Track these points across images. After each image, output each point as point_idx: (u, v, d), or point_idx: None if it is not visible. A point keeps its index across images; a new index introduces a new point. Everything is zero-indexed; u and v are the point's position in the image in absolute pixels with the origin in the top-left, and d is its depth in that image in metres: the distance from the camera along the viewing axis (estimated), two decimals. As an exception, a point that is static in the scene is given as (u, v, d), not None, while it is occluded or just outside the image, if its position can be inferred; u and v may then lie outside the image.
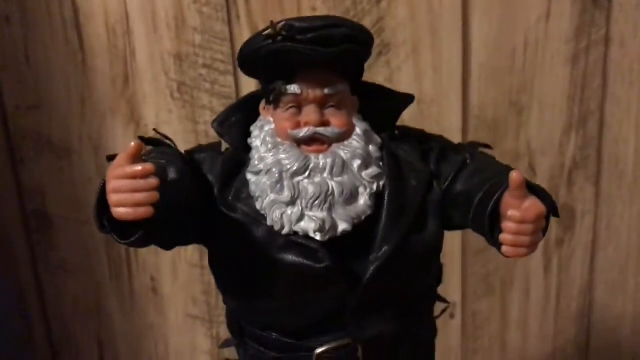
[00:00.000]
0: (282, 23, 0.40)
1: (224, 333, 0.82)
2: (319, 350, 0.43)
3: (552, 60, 0.81)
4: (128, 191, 0.35)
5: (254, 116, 0.45)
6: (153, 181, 0.35)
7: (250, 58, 0.43)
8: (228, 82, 0.73)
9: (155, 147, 0.45)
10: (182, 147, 0.76)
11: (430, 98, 0.79)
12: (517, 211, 0.37)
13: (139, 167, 0.35)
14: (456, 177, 0.44)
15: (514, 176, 0.37)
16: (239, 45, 0.72)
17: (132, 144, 0.36)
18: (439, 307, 0.53)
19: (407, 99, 0.47)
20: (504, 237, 0.38)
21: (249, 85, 0.73)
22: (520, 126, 0.83)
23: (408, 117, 0.79)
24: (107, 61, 0.71)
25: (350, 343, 0.43)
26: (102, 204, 0.37)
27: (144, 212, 0.35)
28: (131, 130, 0.73)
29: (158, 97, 0.73)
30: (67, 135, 0.73)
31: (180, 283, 0.80)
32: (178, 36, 0.71)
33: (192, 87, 0.73)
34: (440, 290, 0.53)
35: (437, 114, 0.80)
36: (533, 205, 0.37)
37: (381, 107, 0.45)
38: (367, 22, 0.74)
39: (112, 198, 0.35)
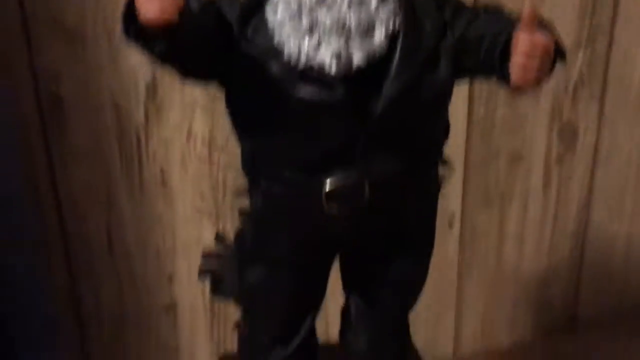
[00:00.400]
0: None
1: (230, 228, 0.85)
2: (328, 186, 0.45)
3: (566, -28, 0.81)
4: None
5: None
6: None
7: None
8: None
9: None
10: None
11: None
12: (527, 42, 0.38)
13: None
14: (468, 26, 0.45)
15: (528, 9, 0.38)
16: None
17: None
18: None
19: None
20: (514, 60, 0.39)
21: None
22: (530, 39, 0.84)
23: None
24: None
25: (358, 180, 0.45)
26: (130, 13, 0.38)
27: (170, 16, 0.36)
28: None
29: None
30: (81, 21, 0.73)
31: (189, 177, 0.82)
32: None
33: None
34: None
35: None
36: (543, 38, 0.38)
37: None
38: None
39: (139, 2, 0.37)
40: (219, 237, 0.59)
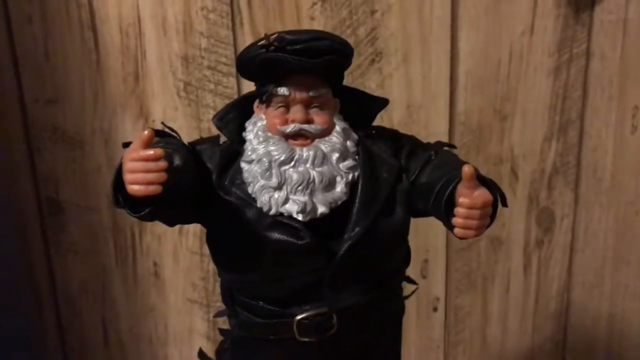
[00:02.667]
0: (275, 35, 0.46)
1: (221, 317, 0.88)
2: (298, 317, 0.49)
3: (535, 71, 0.87)
4: (141, 171, 0.41)
5: (248, 113, 0.52)
6: (162, 164, 0.42)
7: (247, 64, 0.49)
8: (230, 83, 0.79)
9: (162, 137, 0.51)
10: (187, 141, 0.82)
11: (419, 104, 0.84)
12: (467, 198, 0.43)
13: (151, 152, 0.41)
14: (421, 170, 0.50)
15: (466, 169, 0.43)
16: (241, 49, 0.79)
17: (146, 132, 0.42)
18: (410, 288, 0.59)
19: (382, 102, 0.54)
20: (455, 220, 0.44)
21: (249, 86, 0.78)
22: (504, 132, 0.89)
23: (397, 121, 0.85)
24: (120, 61, 0.77)
25: (327, 311, 0.49)
26: (118, 182, 0.43)
27: (154, 189, 0.41)
28: (140, 124, 0.79)
29: (165, 95, 0.78)
30: (80, 128, 0.78)
31: (180, 269, 0.86)
32: (186, 39, 0.77)
33: (197, 87, 0.78)
34: (424, 285, 0.59)
35: (425, 118, 0.85)
36: (481, 194, 0.43)
37: (359, 109, 0.52)
38: (361, 32, 0.80)
39: (128, 177, 0.42)
40: (202, 355, 0.63)
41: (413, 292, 0.58)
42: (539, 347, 1.01)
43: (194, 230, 0.84)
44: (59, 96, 0.77)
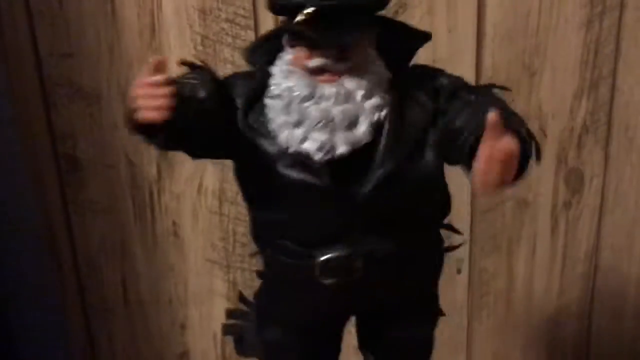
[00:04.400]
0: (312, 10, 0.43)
1: (241, 278, 0.87)
2: (322, 258, 0.48)
3: (566, 23, 0.83)
4: (148, 97, 0.41)
5: (281, 46, 0.49)
6: (167, 89, 0.41)
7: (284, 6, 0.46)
8: (249, 36, 0.76)
9: (193, 69, 0.49)
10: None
11: (445, 58, 0.81)
12: (487, 148, 0.40)
13: (155, 78, 0.41)
14: (458, 114, 0.46)
15: (490, 115, 0.39)
16: (259, 0, 0.76)
17: (151, 59, 0.42)
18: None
19: (424, 36, 0.50)
20: (474, 171, 0.40)
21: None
22: (532, 89, 0.85)
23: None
24: (135, 13, 0.75)
25: (350, 254, 0.48)
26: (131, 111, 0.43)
27: (160, 115, 0.40)
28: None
29: (182, 49, 0.76)
30: (96, 83, 0.77)
31: (200, 228, 0.84)
32: (203, -9, 0.75)
33: (214, 41, 0.76)
34: (448, 243, 0.57)
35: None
36: (504, 144, 0.39)
37: (397, 43, 0.49)
38: (384, -18, 0.77)
39: (135, 104, 0.41)
40: (242, 298, 0.63)
41: (457, 247, 0.55)
42: (565, 310, 0.99)
43: (213, 190, 0.83)
44: (74, 49, 0.75)
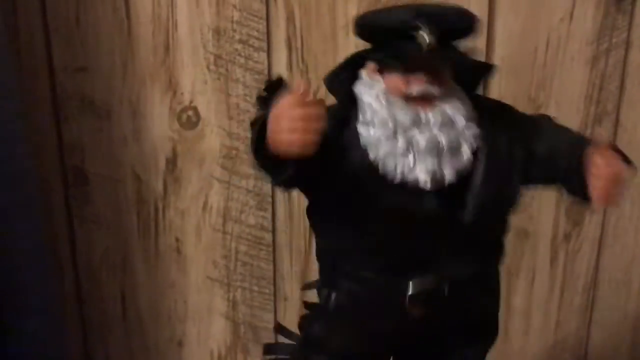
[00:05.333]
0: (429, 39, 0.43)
1: (241, 297, 0.87)
2: (412, 288, 0.48)
3: (572, 60, 0.84)
4: (302, 131, 0.39)
5: (354, 76, 0.49)
6: (323, 123, 0.40)
7: (377, 30, 0.46)
8: (261, 58, 0.77)
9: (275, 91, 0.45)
10: (214, 118, 0.80)
11: (452, 88, 0.82)
12: (604, 167, 0.43)
13: (316, 110, 0.39)
14: (537, 138, 0.48)
15: (599, 135, 0.42)
16: (274, 24, 0.78)
17: (302, 85, 0.40)
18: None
19: (488, 68, 0.50)
20: (593, 186, 0.43)
21: (280, 62, 0.77)
22: (537, 121, 0.87)
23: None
24: (150, 30, 0.76)
25: (439, 282, 0.48)
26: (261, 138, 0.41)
27: (308, 149, 0.39)
28: (168, 97, 0.78)
29: (195, 68, 0.77)
30: (108, 98, 0.77)
31: (202, 246, 0.85)
32: (218, 11, 0.76)
33: (227, 61, 0.77)
34: None
35: (457, 103, 0.83)
36: (618, 162, 0.43)
37: (463, 73, 0.49)
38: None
39: (285, 137, 0.39)
40: (280, 328, 0.61)
41: None
42: (562, 343, 0.99)
43: (217, 207, 0.83)
44: (89, 64, 0.76)
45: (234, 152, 0.81)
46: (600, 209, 0.45)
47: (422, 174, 0.45)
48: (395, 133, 0.45)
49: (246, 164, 0.82)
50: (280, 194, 0.84)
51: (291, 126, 0.39)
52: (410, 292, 0.48)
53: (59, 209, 0.81)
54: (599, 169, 0.43)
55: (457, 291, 0.49)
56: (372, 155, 0.45)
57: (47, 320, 0.82)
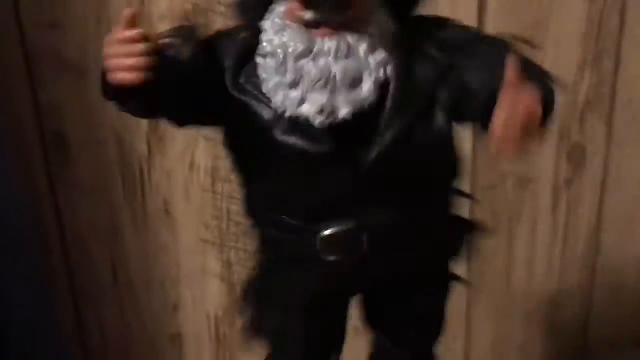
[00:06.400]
0: None
1: (235, 258, 0.85)
2: (323, 233, 0.44)
3: (569, -5, 0.80)
4: (121, 56, 0.37)
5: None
6: (141, 46, 0.37)
7: None
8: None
9: (177, 31, 0.45)
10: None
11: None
12: (505, 102, 0.36)
13: (128, 33, 0.37)
14: (470, 68, 0.42)
15: (509, 66, 0.37)
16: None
17: (125, 12, 0.38)
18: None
19: None
20: (492, 128, 0.37)
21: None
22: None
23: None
24: (123, -19, 0.72)
25: (353, 227, 0.44)
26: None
27: (135, 76, 0.37)
28: (146, 51, 0.74)
29: (173, 19, 0.73)
30: (83, 55, 0.74)
31: (192, 207, 0.82)
32: (193, -42, 0.71)
33: (206, 9, 0.73)
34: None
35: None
36: (524, 98, 0.36)
37: None
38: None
39: (108, 63, 0.38)
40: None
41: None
42: (566, 291, 0.97)
43: (205, 167, 0.80)
44: (60, 20, 0.72)
45: (219, 107, 0.78)
46: (502, 156, 0.39)
47: (311, 109, 0.41)
48: (285, 62, 0.41)
49: (233, 120, 0.79)
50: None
51: (109, 52, 0.38)
52: (321, 237, 0.44)
53: (40, 176, 0.78)
54: (498, 115, 0.37)
55: (380, 240, 0.44)
56: (264, 88, 0.42)
57: (36, 291, 0.80)
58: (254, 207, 0.48)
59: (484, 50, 0.44)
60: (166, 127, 0.77)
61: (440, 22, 0.46)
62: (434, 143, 0.43)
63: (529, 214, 0.92)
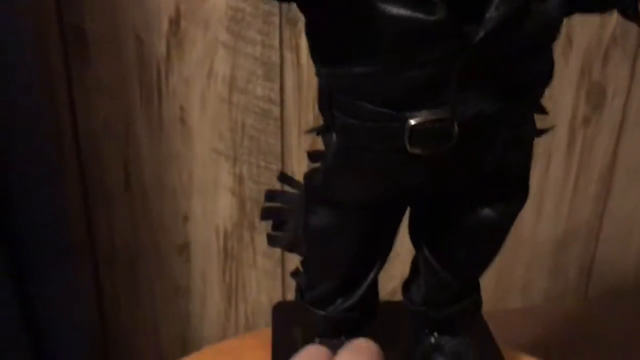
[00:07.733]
0: None
1: (247, 172, 0.85)
2: (413, 121, 0.40)
3: None
4: None
5: None
6: None
7: None
8: None
9: None
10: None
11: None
12: None
13: None
14: None
15: None
16: None
17: None
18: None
19: None
20: None
21: None
22: (563, -8, 0.81)
23: None
24: None
25: (447, 118, 0.40)
26: None
27: None
28: (171, -51, 0.73)
29: None
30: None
31: (208, 116, 0.81)
32: None
33: None
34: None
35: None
36: None
37: None
38: None
39: None
40: (284, 177, 0.55)
41: (548, 130, 0.47)
42: (573, 231, 0.97)
43: (223, 76, 0.79)
44: None
45: (239, 14, 0.76)
46: None
47: None
48: None
49: (253, 29, 0.77)
50: (289, 63, 0.80)
51: None
52: (410, 125, 0.39)
53: (58, 72, 0.77)
54: None
55: (469, 133, 0.40)
56: None
57: (47, 188, 0.80)
58: (332, 94, 0.43)
59: None
60: (186, 31, 0.77)
61: None
62: (543, 28, 0.39)
63: (543, 150, 0.91)
